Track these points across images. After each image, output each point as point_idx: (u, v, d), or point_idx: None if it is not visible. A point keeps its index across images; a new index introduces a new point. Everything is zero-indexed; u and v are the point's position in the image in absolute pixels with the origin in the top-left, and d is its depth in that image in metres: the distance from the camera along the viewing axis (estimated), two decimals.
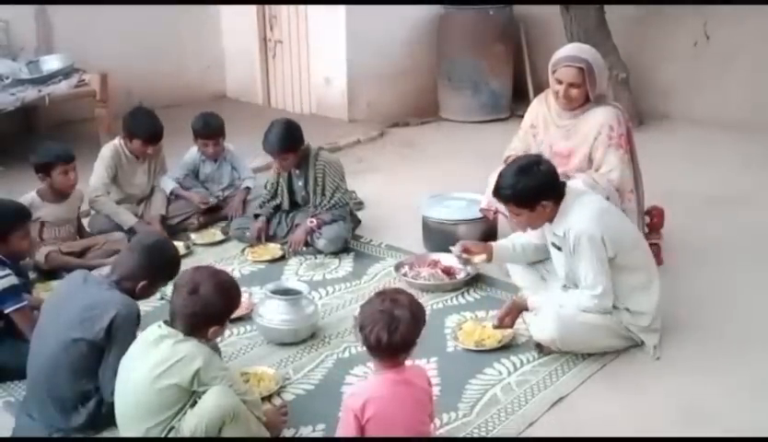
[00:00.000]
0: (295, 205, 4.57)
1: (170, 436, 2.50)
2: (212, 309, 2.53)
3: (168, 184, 4.77)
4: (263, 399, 2.94)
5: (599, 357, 3.19)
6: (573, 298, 3.16)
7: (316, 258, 4.33)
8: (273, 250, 4.39)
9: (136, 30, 6.98)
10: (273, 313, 3.40)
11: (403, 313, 2.33)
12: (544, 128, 3.93)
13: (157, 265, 2.90)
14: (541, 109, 3.97)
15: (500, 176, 3.20)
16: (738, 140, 6.18)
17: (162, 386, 2.47)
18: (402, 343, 2.33)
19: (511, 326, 3.33)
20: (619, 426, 2.80)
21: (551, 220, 3.19)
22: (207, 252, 4.47)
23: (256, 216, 4.55)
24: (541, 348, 3.25)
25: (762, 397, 2.97)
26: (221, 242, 4.59)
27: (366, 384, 2.41)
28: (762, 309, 3.61)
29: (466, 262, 3.79)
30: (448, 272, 3.98)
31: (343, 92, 7.05)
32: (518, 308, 3.30)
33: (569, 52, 3.80)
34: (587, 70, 3.67)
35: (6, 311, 3.15)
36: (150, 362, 2.49)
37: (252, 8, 7.54)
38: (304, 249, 4.37)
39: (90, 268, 4.04)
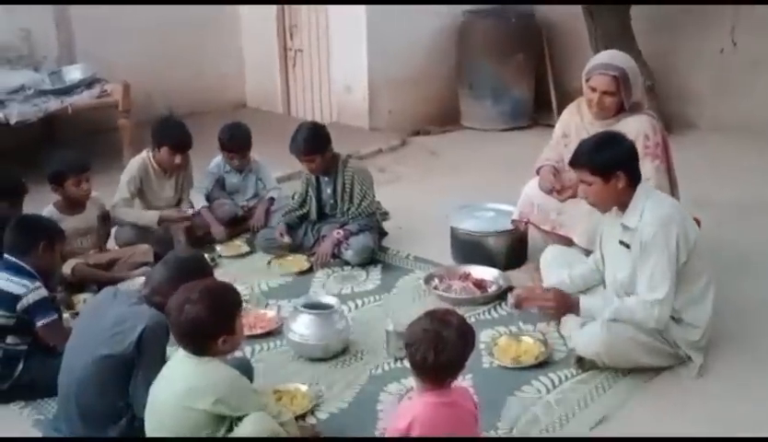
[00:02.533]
0: (322, 216, 4.51)
1: None
2: (204, 324, 2.41)
3: (198, 200, 4.72)
4: (297, 418, 2.87)
5: (641, 373, 3.10)
6: (628, 305, 3.02)
7: (343, 270, 4.27)
8: (300, 262, 4.33)
9: (156, 39, 6.96)
10: (304, 328, 3.34)
11: (451, 334, 2.27)
12: (577, 137, 3.83)
13: (188, 281, 2.82)
14: (574, 118, 3.90)
15: (579, 145, 3.17)
16: (766, 147, 6.08)
17: (189, 410, 2.41)
18: (449, 365, 2.26)
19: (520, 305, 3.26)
20: None
21: (623, 207, 3.09)
22: (233, 265, 4.41)
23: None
24: (581, 364, 3.16)
25: None
26: (247, 254, 4.54)
27: (410, 405, 2.34)
28: None
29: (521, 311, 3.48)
30: (480, 284, 3.92)
31: (364, 100, 7.00)
32: (565, 302, 3.18)
33: (603, 59, 3.73)
34: (621, 78, 3.59)
35: (38, 324, 3.11)
36: (176, 386, 2.44)
37: (272, 17, 7.51)
38: (331, 260, 4.31)
39: (117, 280, 4.03)
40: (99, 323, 2.74)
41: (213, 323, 2.42)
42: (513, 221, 4.02)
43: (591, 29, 6.41)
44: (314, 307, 3.41)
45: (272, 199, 4.84)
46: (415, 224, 4.91)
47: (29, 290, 3.08)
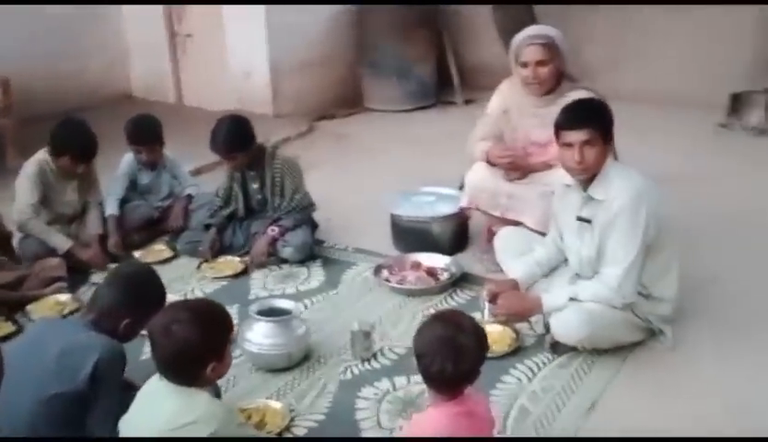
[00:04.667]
0: (250, 212, 4.20)
1: None
2: (195, 347, 2.12)
3: (109, 205, 4.26)
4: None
5: (617, 352, 3.03)
6: (588, 289, 2.95)
7: (281, 268, 4.00)
8: (233, 263, 4.02)
9: (34, 30, 6.37)
10: (262, 337, 3.05)
11: (468, 340, 2.09)
12: (519, 115, 3.74)
13: (140, 299, 2.52)
14: (515, 93, 3.76)
15: (576, 103, 3.07)
16: (665, 115, 6.29)
17: None
18: (469, 373, 2.09)
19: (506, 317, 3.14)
20: (661, 428, 2.65)
21: (590, 179, 2.96)
22: (157, 272, 4.00)
23: (207, 227, 4.16)
24: (555, 348, 3.07)
25: None
26: (170, 259, 4.16)
27: (425, 418, 2.14)
28: (757, 288, 3.56)
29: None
30: (432, 273, 3.76)
31: (266, 86, 6.69)
32: (524, 309, 3.10)
33: (529, 32, 3.65)
34: (551, 45, 3.53)
35: None
36: (158, 421, 2.12)
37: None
38: (266, 260, 4.02)
39: (28, 300, 3.60)
40: (42, 357, 2.36)
41: (204, 346, 2.12)
42: (461, 208, 3.88)
43: (500, 20, 6.22)
44: (269, 312, 3.13)
45: (189, 196, 4.47)
46: (343, 213, 4.70)
47: None
